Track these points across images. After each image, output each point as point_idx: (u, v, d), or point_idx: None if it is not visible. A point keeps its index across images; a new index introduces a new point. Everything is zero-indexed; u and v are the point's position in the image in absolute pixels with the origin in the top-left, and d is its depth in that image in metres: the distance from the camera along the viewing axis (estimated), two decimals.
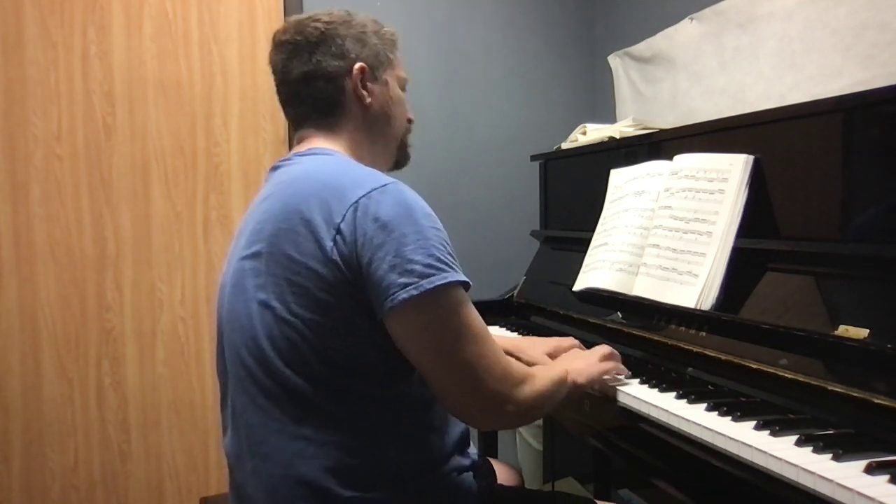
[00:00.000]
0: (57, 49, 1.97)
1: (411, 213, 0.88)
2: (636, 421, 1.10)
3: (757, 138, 1.26)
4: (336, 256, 0.87)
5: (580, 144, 1.93)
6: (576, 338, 1.39)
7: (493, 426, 1.03)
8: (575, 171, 1.98)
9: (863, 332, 0.94)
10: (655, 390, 1.13)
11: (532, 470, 2.39)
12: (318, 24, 1.04)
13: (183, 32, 2.09)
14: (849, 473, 0.76)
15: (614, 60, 2.42)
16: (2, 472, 1.95)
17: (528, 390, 0.94)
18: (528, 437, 2.40)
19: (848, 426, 0.91)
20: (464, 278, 0.89)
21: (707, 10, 1.94)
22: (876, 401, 0.88)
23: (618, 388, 1.15)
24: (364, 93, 1.06)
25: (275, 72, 1.08)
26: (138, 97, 2.05)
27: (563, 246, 1.89)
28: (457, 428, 1.05)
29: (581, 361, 1.14)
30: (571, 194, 1.99)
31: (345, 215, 0.87)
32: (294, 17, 1.07)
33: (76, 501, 2.02)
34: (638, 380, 1.18)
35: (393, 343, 0.90)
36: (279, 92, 1.09)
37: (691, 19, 2.00)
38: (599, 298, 1.51)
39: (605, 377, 1.16)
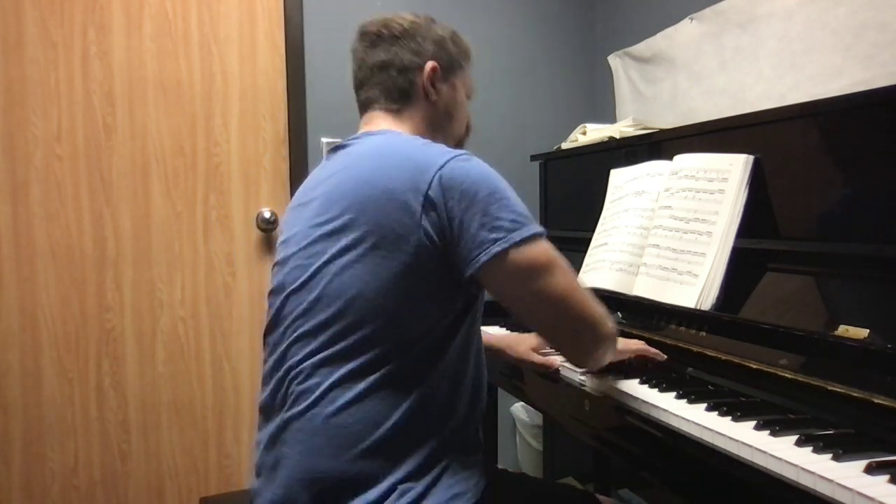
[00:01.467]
0: (57, 49, 1.97)
1: (489, 178, 0.97)
2: (636, 421, 1.10)
3: (757, 138, 1.26)
4: (426, 222, 0.94)
5: (580, 144, 1.93)
6: None
7: (599, 356, 1.07)
8: (575, 171, 1.98)
9: (863, 332, 0.94)
10: (655, 390, 1.12)
11: (532, 470, 2.39)
12: (403, 22, 1.14)
13: (183, 32, 2.09)
14: (849, 473, 0.76)
15: (614, 60, 2.42)
16: (2, 472, 1.95)
17: (612, 322, 1.04)
18: (528, 437, 2.40)
19: (848, 426, 0.91)
20: (543, 229, 0.99)
21: (707, 10, 1.94)
22: (876, 401, 0.88)
23: (617, 387, 1.15)
24: (432, 89, 1.14)
25: (354, 58, 1.17)
26: (138, 97, 2.05)
27: (563, 246, 1.87)
28: (473, 413, 1.08)
29: None
30: (571, 194, 1.99)
31: (430, 183, 0.94)
32: (381, 15, 1.17)
33: (76, 501, 2.02)
34: (638, 380, 1.18)
35: (447, 316, 0.98)
36: (355, 76, 1.17)
37: (691, 19, 2.00)
38: (600, 298, 1.51)
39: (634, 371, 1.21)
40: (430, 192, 0.94)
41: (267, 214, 2.17)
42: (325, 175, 1.08)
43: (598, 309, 1.02)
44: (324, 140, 2.22)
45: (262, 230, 2.18)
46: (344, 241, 0.97)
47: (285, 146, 2.22)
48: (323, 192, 1.04)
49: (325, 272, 0.98)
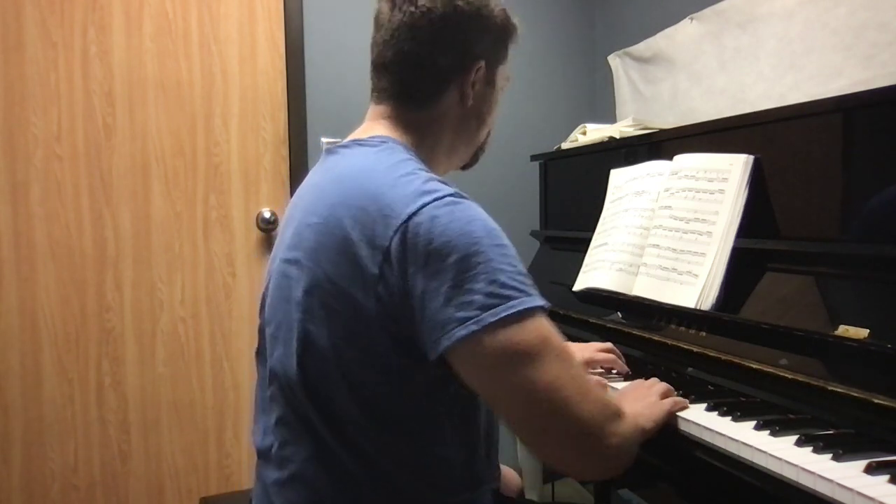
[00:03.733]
0: (57, 49, 1.97)
1: (470, 231, 0.75)
2: None
3: (757, 138, 1.26)
4: (381, 287, 0.77)
5: (580, 144, 1.93)
6: (576, 338, 1.39)
7: (596, 471, 0.82)
8: (575, 171, 1.98)
9: (863, 332, 0.93)
10: None
11: (532, 471, 2.39)
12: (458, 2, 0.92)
13: (183, 32, 2.09)
14: (849, 473, 0.76)
15: (614, 60, 2.42)
16: (2, 472, 1.95)
17: (626, 424, 0.79)
18: None
19: (848, 426, 0.91)
20: (538, 302, 0.76)
21: (707, 10, 1.94)
22: (876, 401, 0.88)
23: (617, 388, 1.15)
24: (470, 92, 0.95)
25: (380, 25, 0.93)
26: (138, 97, 2.05)
27: (563, 246, 1.89)
28: (486, 474, 0.98)
29: (640, 403, 0.96)
30: (571, 194, 1.99)
31: (392, 238, 0.76)
32: None
33: (76, 501, 2.02)
34: (638, 380, 1.18)
35: (425, 388, 0.82)
36: (375, 48, 0.94)
37: (691, 19, 2.00)
38: (599, 298, 1.51)
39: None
40: (390, 250, 0.76)
41: (267, 214, 2.17)
42: (309, 186, 0.95)
43: (596, 408, 0.77)
44: (324, 140, 2.22)
45: (263, 230, 2.18)
46: (303, 293, 0.83)
47: (285, 146, 2.22)
48: (298, 217, 0.90)
49: (291, 321, 0.85)
